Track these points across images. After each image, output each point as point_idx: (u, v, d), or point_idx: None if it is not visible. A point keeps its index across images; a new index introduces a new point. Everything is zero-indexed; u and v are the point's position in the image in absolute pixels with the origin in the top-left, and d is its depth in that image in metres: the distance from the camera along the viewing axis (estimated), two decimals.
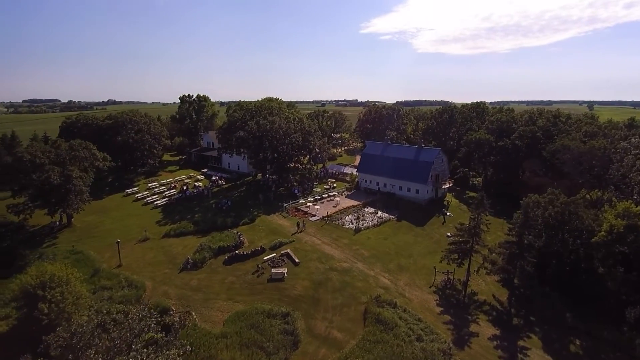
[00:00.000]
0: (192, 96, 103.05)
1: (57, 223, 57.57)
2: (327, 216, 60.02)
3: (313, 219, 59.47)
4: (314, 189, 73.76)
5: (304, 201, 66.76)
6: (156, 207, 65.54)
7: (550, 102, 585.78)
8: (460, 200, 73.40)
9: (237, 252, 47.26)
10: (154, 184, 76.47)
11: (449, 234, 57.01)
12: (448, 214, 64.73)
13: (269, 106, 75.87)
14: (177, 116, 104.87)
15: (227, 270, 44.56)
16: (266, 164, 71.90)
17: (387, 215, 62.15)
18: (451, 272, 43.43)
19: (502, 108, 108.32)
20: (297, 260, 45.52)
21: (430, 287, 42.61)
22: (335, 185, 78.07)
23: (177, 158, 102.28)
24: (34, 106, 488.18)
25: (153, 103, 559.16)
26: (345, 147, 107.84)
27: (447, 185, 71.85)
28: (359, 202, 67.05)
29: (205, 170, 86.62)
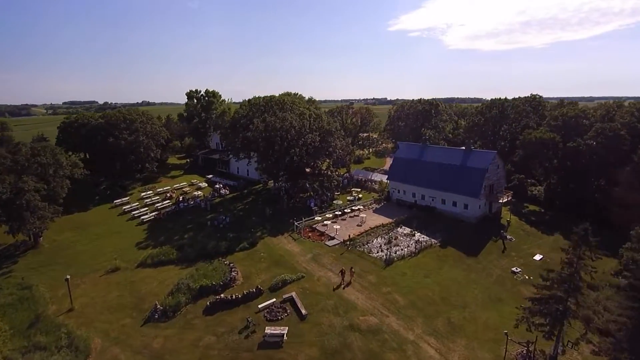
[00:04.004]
0: (200, 91, 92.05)
1: (25, 242, 48.05)
2: (350, 240, 46.59)
3: (331, 243, 46.29)
4: (335, 202, 60.44)
5: (320, 218, 53.64)
6: (142, 222, 54.58)
7: (591, 99, 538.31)
8: (520, 217, 57.89)
9: (223, 295, 34.85)
10: (148, 192, 65.76)
11: (515, 268, 42.30)
12: (508, 237, 49.64)
13: (281, 100, 62.98)
14: (185, 114, 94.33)
15: (207, 323, 32.23)
16: (277, 169, 59.24)
17: (426, 238, 47.96)
18: (532, 342, 28.91)
19: (563, 101, 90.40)
20: (304, 312, 32.50)
21: None
22: (360, 196, 64.32)
23: (184, 161, 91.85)
24: (72, 108, 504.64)
25: (185, 103, 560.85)
26: (374, 149, 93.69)
27: (504, 199, 56.23)
28: (390, 220, 53.08)
29: (210, 176, 75.20)
